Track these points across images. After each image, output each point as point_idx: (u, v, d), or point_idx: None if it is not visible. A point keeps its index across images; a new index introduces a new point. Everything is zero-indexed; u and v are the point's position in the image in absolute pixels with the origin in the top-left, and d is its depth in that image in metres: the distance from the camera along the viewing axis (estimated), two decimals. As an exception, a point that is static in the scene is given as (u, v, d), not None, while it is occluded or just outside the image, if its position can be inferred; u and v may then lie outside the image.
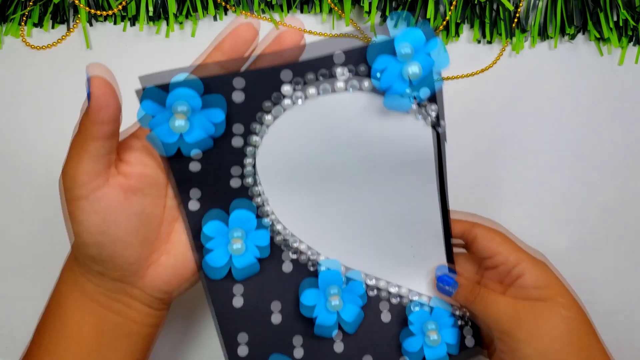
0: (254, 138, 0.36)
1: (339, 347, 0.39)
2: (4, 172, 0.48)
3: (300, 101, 0.36)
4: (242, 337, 0.38)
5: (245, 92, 0.35)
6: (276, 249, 0.38)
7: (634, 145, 0.50)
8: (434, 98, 0.37)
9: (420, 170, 0.38)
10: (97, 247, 0.34)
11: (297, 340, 0.39)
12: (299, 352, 0.39)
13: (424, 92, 0.35)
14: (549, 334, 0.36)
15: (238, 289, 0.38)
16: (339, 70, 0.35)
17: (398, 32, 0.35)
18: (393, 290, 0.40)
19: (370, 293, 0.40)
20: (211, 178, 0.37)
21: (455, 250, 0.41)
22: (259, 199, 0.38)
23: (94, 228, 0.33)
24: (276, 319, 0.38)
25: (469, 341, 0.40)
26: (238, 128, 0.36)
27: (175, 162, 0.36)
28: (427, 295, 0.40)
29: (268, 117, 0.36)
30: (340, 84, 0.35)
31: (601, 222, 0.49)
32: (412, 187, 0.38)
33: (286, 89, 0.35)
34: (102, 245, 0.34)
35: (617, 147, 0.50)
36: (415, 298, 0.40)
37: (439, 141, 0.38)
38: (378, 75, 0.35)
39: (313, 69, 0.35)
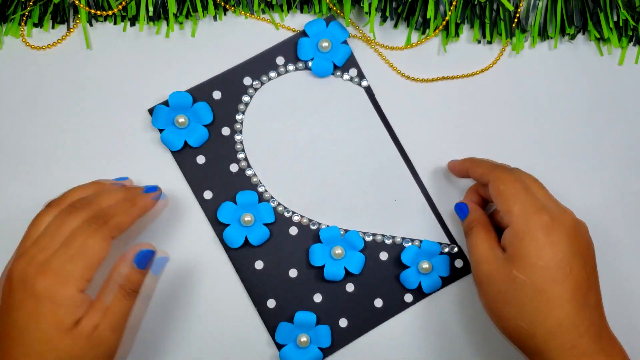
0: (237, 125, 0.48)
1: (350, 287, 0.47)
2: (4, 172, 0.48)
3: (258, 87, 0.48)
4: (268, 293, 0.46)
5: (221, 90, 0.48)
6: (280, 217, 0.47)
7: (634, 145, 0.50)
8: (352, 63, 0.49)
9: (368, 123, 0.48)
10: None
11: (314, 287, 0.47)
12: (318, 297, 0.47)
13: (338, 59, 0.49)
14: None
15: (257, 254, 0.47)
16: (278, 59, 0.49)
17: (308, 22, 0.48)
18: (388, 240, 0.47)
19: (367, 239, 0.47)
20: (215, 167, 0.47)
21: None
22: (255, 179, 0.47)
23: None
24: (293, 273, 0.47)
25: (458, 263, 0.48)
26: (223, 119, 0.48)
27: (186, 160, 0.47)
28: (417, 239, 0.48)
29: (241, 106, 0.48)
30: (281, 69, 0.49)
31: (601, 222, 0.49)
32: (369, 142, 0.48)
33: (247, 80, 0.49)
34: None
35: (617, 147, 0.50)
36: (408, 244, 0.47)
37: (372, 96, 0.49)
38: (304, 54, 0.48)
39: (261, 62, 0.49)
